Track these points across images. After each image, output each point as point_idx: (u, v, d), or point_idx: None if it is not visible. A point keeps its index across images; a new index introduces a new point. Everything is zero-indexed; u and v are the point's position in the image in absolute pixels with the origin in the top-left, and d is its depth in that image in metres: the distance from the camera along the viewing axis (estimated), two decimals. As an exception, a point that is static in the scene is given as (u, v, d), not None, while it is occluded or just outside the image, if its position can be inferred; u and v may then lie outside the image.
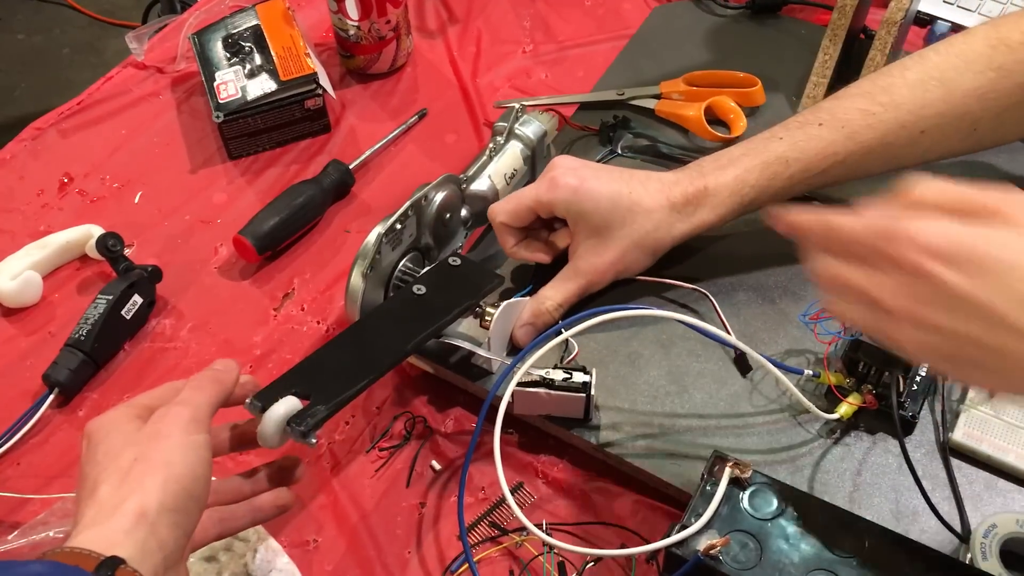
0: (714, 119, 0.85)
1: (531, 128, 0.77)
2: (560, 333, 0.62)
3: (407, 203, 0.67)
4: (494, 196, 0.74)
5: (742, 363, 0.69)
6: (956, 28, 0.93)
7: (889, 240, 0.45)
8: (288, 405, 0.54)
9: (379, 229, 0.66)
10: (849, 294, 0.47)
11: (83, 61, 2.38)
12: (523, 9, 0.99)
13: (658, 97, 0.87)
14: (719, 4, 0.96)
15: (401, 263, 0.69)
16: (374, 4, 0.87)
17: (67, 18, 2.46)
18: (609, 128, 0.84)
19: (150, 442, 0.49)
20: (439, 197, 0.69)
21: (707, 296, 0.71)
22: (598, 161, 0.81)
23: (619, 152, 0.83)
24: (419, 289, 0.66)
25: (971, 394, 0.65)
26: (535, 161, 0.78)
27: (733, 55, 0.91)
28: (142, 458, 0.48)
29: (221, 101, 0.84)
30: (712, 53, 0.92)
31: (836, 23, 0.82)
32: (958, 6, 0.94)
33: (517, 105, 0.78)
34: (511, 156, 0.76)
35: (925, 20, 0.94)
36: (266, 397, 0.54)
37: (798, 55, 0.88)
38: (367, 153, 0.85)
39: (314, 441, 0.54)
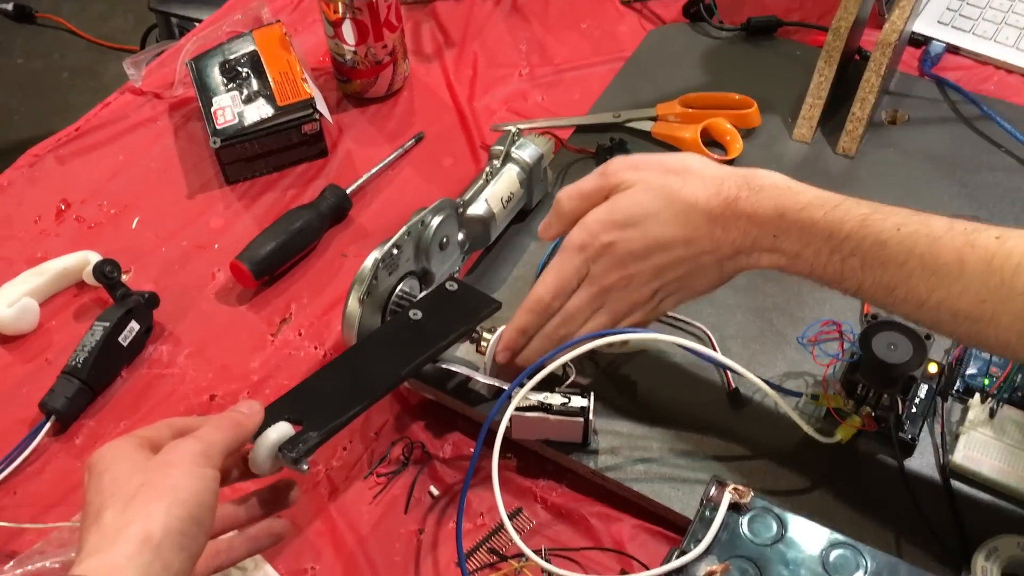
0: (710, 141, 0.85)
1: (527, 151, 0.77)
2: (567, 353, 0.62)
3: (404, 228, 0.67)
4: (491, 220, 0.74)
5: (739, 386, 0.69)
6: (951, 49, 0.93)
7: (568, 252, 0.64)
8: (280, 431, 0.54)
9: (376, 254, 0.66)
10: (588, 310, 0.65)
11: (82, 85, 2.39)
12: (519, 32, 1.00)
13: (654, 119, 0.87)
14: (714, 26, 0.96)
15: (398, 288, 0.69)
16: (370, 29, 0.87)
17: (66, 42, 2.47)
18: (605, 151, 0.84)
19: (158, 470, 0.49)
20: (436, 222, 0.69)
21: (702, 328, 0.71)
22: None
23: (616, 174, 0.83)
24: (415, 314, 0.65)
25: (971, 415, 0.64)
26: (531, 184, 0.79)
27: (729, 77, 0.91)
28: (148, 485, 0.48)
29: (218, 127, 0.84)
30: (708, 75, 0.92)
31: (831, 45, 0.82)
32: (953, 27, 0.94)
33: (513, 129, 0.78)
34: (508, 180, 0.76)
35: (920, 41, 0.94)
36: None
37: (793, 76, 0.88)
38: (364, 177, 0.85)
39: (306, 468, 0.54)
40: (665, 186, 0.62)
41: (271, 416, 0.55)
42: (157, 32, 1.44)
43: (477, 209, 0.74)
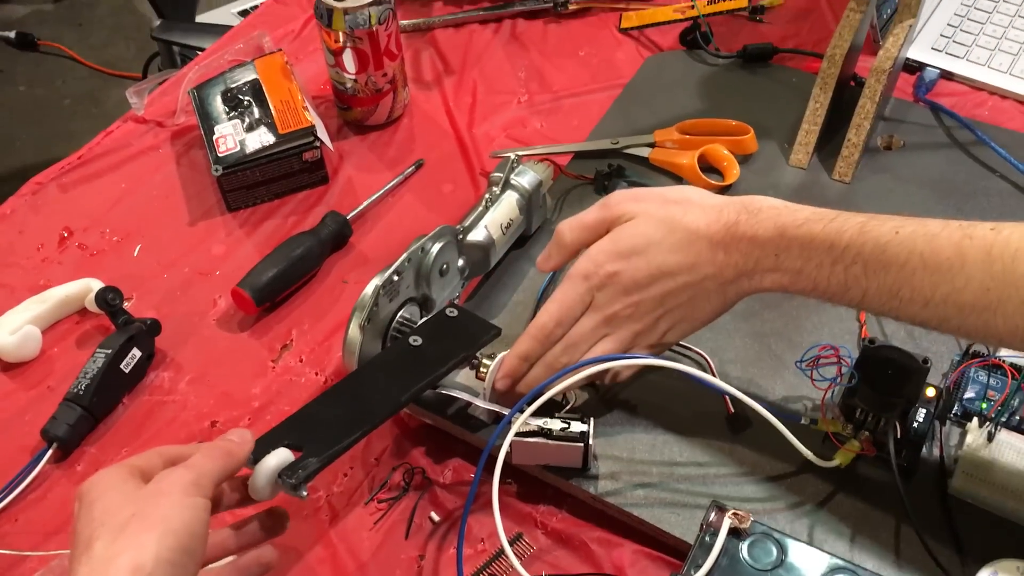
0: (708, 167, 0.86)
1: (526, 178, 0.78)
2: (567, 379, 0.63)
3: (404, 255, 0.67)
4: (490, 246, 0.75)
5: (738, 411, 0.69)
6: (945, 75, 0.94)
7: (573, 282, 0.65)
8: (280, 457, 0.54)
9: (376, 281, 0.66)
10: (592, 339, 0.66)
11: (84, 112, 2.41)
12: (518, 60, 1.01)
13: (652, 145, 0.88)
14: (710, 54, 0.97)
15: (399, 314, 0.69)
16: (371, 58, 0.88)
17: (68, 69, 2.49)
18: (604, 177, 0.85)
19: (149, 500, 0.49)
20: (436, 248, 0.69)
21: (700, 354, 0.72)
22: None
23: (614, 200, 0.84)
24: (415, 340, 0.66)
25: (969, 439, 0.65)
26: (531, 211, 0.79)
27: (725, 103, 0.92)
28: (139, 515, 0.48)
29: (220, 154, 0.85)
30: (705, 102, 0.93)
31: (826, 72, 0.83)
32: (947, 53, 0.95)
33: (512, 156, 0.79)
34: (507, 206, 0.77)
35: (914, 67, 0.95)
36: (258, 449, 0.54)
37: (789, 103, 0.89)
38: (365, 204, 0.86)
39: (305, 494, 0.54)
40: (667, 216, 0.63)
41: (271, 442, 0.55)
42: (159, 60, 1.46)
43: (477, 236, 0.75)
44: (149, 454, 0.54)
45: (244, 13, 1.61)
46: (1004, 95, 0.92)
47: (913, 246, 0.56)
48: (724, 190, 0.85)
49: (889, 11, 0.93)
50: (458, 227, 0.73)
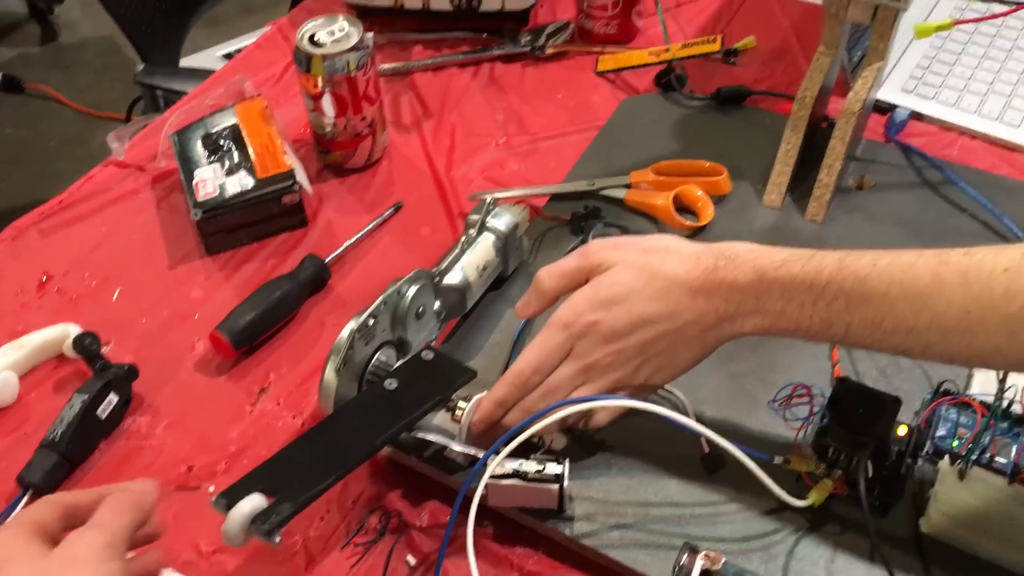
0: (683, 207, 0.87)
1: (503, 220, 0.79)
2: (543, 420, 0.63)
3: (380, 298, 0.68)
4: (467, 289, 0.76)
5: (714, 451, 0.69)
6: (916, 116, 0.96)
7: (552, 329, 0.65)
8: (253, 503, 0.54)
9: (352, 325, 0.67)
10: (570, 386, 0.66)
11: (69, 153, 2.42)
12: (496, 103, 1.02)
13: (628, 187, 0.89)
14: (685, 96, 0.99)
15: (375, 357, 0.69)
16: (349, 103, 0.89)
17: (54, 112, 2.51)
18: (580, 218, 0.86)
19: (62, 570, 0.46)
20: (411, 292, 0.70)
21: (676, 394, 0.72)
22: (569, 251, 0.82)
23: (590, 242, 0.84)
24: (391, 384, 0.66)
25: (941, 477, 0.65)
26: (507, 253, 0.80)
27: (700, 145, 0.93)
28: None
29: (199, 199, 0.86)
30: (680, 143, 0.95)
31: (796, 114, 0.85)
32: (917, 94, 0.97)
33: (489, 198, 0.80)
34: (483, 248, 0.78)
35: (885, 108, 0.97)
36: (232, 495, 0.55)
37: (762, 144, 0.91)
38: (343, 247, 0.86)
39: (278, 540, 0.54)
40: (646, 264, 0.64)
41: (244, 488, 0.55)
42: (143, 104, 1.47)
43: (453, 278, 0.75)
44: (45, 506, 0.51)
45: (229, 56, 1.63)
46: (973, 135, 0.94)
47: (892, 276, 0.58)
48: (699, 230, 0.86)
49: (859, 54, 0.95)
50: (434, 270, 0.74)
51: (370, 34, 0.89)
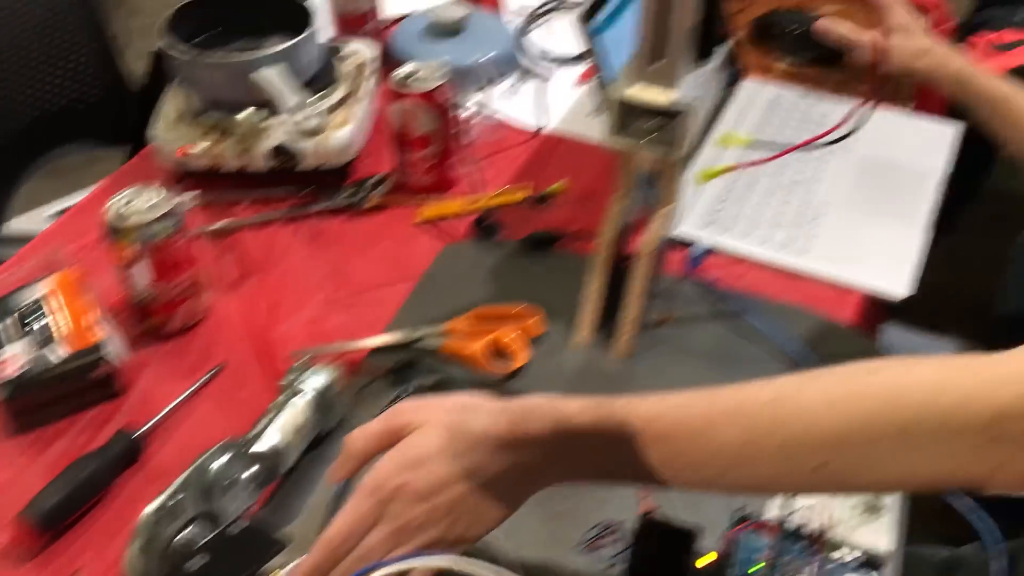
0: (498, 352, 0.90)
1: (317, 380, 0.80)
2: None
3: (181, 477, 0.67)
4: (280, 453, 0.76)
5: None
6: (713, 249, 1.02)
7: (361, 496, 0.64)
8: None
9: (154, 504, 0.66)
10: (383, 550, 0.64)
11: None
12: (319, 258, 1.04)
13: (445, 335, 0.92)
14: (500, 242, 1.03)
15: (182, 533, 0.68)
16: (164, 269, 0.90)
17: None
18: (398, 371, 0.87)
19: None
20: (215, 466, 0.70)
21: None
22: (386, 407, 0.84)
23: (409, 393, 0.86)
24: (199, 560, 0.65)
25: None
26: (324, 412, 0.81)
27: (515, 288, 0.97)
28: None
29: (5, 378, 0.83)
30: (496, 288, 0.98)
31: (598, 256, 0.90)
32: (713, 228, 1.04)
33: (305, 358, 0.81)
34: (298, 410, 0.78)
35: (686, 243, 1.03)
36: None
37: (573, 285, 0.95)
38: (158, 417, 0.85)
39: None
40: (451, 423, 0.66)
41: None
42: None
43: (265, 444, 0.75)
44: None
45: (60, 212, 1.60)
46: (763, 265, 1.01)
47: (673, 418, 0.62)
48: (514, 374, 0.89)
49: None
50: (242, 439, 0.74)
51: (184, 197, 0.90)
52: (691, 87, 0.82)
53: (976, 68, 1.12)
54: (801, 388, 0.61)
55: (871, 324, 1.02)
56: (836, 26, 1.21)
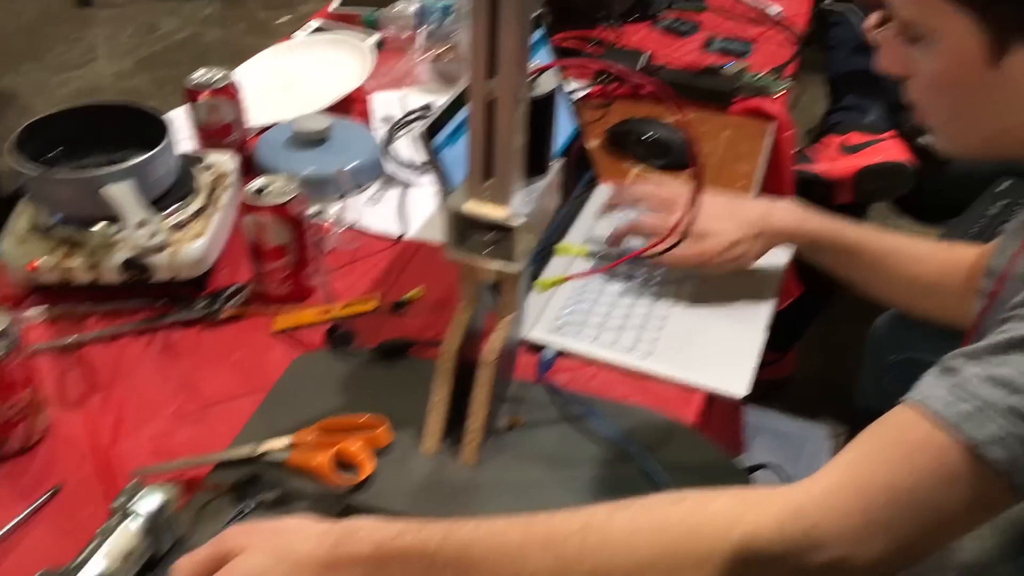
0: (344, 463, 0.90)
1: (149, 501, 0.79)
2: None
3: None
4: (108, 582, 0.74)
5: None
6: (563, 353, 1.05)
7: None
8: None
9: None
10: None
11: None
12: (170, 370, 1.03)
13: (291, 448, 0.91)
14: (352, 352, 1.04)
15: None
16: (-2, 389, 0.88)
17: None
18: (241, 486, 0.87)
19: None
20: (29, 599, 0.67)
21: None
22: (228, 523, 0.83)
23: (252, 509, 0.85)
24: None
25: None
26: (158, 534, 0.79)
27: (365, 398, 0.98)
28: None
29: None
30: (346, 398, 0.99)
31: (442, 365, 0.91)
32: (562, 333, 1.07)
33: (136, 479, 0.80)
34: (127, 535, 0.77)
35: (537, 347, 1.06)
36: None
37: (423, 393, 0.95)
38: (-14, 544, 0.82)
39: None
40: (275, 545, 0.68)
41: None
42: None
43: (91, 571, 0.73)
44: None
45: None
46: (612, 367, 1.04)
47: (488, 544, 0.65)
48: (360, 485, 0.89)
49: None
50: (63, 568, 0.72)
51: (30, 312, 0.89)
52: (524, 202, 0.86)
53: (801, 220, 1.09)
54: (610, 517, 0.65)
55: (716, 421, 1.05)
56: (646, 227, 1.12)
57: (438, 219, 1.27)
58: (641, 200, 1.15)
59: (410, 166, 1.35)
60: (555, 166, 0.92)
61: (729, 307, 1.12)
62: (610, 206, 1.20)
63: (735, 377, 1.02)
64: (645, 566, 0.62)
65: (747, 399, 1.02)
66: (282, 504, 0.86)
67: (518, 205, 0.85)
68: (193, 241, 1.09)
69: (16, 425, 0.91)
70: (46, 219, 1.09)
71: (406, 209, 1.28)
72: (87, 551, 0.74)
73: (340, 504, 0.87)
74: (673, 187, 1.16)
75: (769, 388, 1.83)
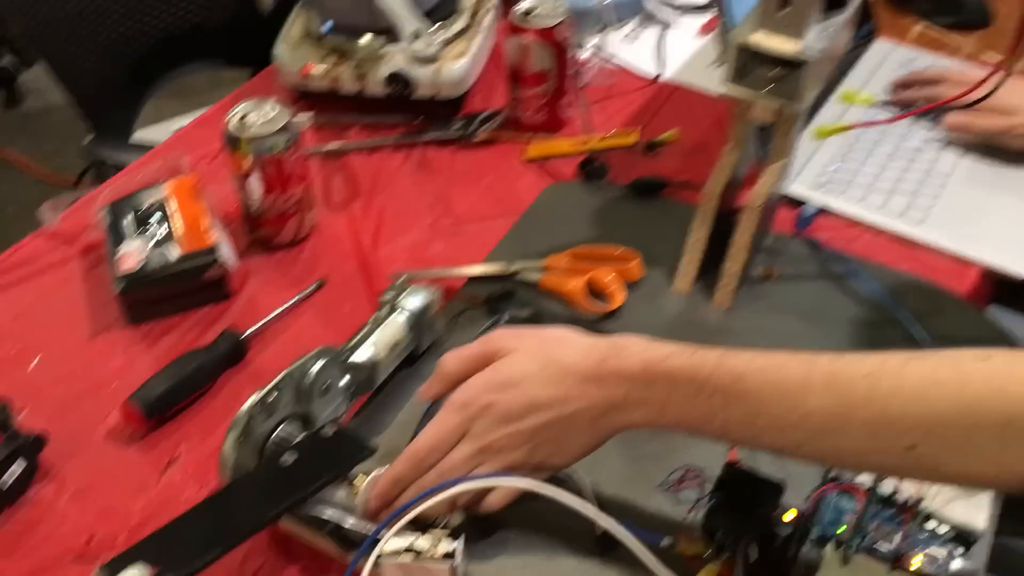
0: (595, 292, 0.90)
1: (415, 299, 0.81)
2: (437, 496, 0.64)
3: (282, 373, 0.70)
4: (375, 366, 0.78)
5: (607, 532, 0.70)
6: (824, 211, 1.00)
7: (449, 410, 0.68)
8: (135, 574, 0.55)
9: (253, 398, 0.68)
10: (465, 467, 0.67)
11: (27, 218, 2.43)
12: (425, 185, 1.06)
13: (544, 271, 0.92)
14: (605, 185, 1.03)
15: (277, 431, 0.71)
16: (277, 182, 0.92)
17: (14, 178, 2.52)
18: (495, 300, 0.88)
19: None
20: (315, 368, 0.72)
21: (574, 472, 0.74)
22: (481, 332, 0.85)
23: (504, 322, 0.87)
24: (289, 458, 0.67)
25: (825, 563, 0.67)
26: (420, 331, 0.82)
27: (616, 232, 0.97)
28: None
29: (122, 272, 0.87)
30: (597, 229, 0.98)
31: (704, 206, 0.89)
32: (826, 190, 1.01)
33: (404, 277, 0.83)
34: (395, 326, 0.80)
35: (797, 202, 1.01)
36: (115, 565, 0.55)
37: (675, 233, 0.94)
38: (263, 321, 0.88)
39: (158, 611, 0.55)
40: (543, 352, 0.68)
41: (128, 559, 0.56)
42: (92, 172, 1.49)
43: (362, 355, 0.77)
44: None
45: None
46: (877, 230, 0.98)
47: (765, 375, 0.61)
48: (610, 314, 0.88)
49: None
50: (341, 347, 0.76)
51: (301, 117, 0.92)
52: (818, 38, 0.80)
53: None
54: (905, 364, 0.60)
55: (986, 302, 0.97)
56: None
57: (698, 61, 1.22)
58: (940, 82, 1.05)
59: (670, 4, 1.29)
60: (853, 3, 0.84)
61: (1016, 180, 1.02)
62: (901, 85, 1.10)
63: (1020, 255, 0.94)
64: (939, 421, 0.58)
65: (999, 300, 0.94)
66: (532, 322, 0.88)
67: (811, 40, 0.79)
68: (456, 60, 1.09)
69: (290, 218, 0.95)
70: (318, 26, 1.11)
71: (664, 49, 1.23)
72: (359, 336, 0.78)
73: (590, 331, 0.87)
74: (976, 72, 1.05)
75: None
